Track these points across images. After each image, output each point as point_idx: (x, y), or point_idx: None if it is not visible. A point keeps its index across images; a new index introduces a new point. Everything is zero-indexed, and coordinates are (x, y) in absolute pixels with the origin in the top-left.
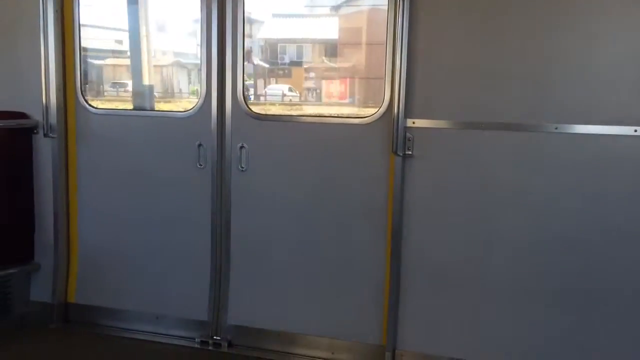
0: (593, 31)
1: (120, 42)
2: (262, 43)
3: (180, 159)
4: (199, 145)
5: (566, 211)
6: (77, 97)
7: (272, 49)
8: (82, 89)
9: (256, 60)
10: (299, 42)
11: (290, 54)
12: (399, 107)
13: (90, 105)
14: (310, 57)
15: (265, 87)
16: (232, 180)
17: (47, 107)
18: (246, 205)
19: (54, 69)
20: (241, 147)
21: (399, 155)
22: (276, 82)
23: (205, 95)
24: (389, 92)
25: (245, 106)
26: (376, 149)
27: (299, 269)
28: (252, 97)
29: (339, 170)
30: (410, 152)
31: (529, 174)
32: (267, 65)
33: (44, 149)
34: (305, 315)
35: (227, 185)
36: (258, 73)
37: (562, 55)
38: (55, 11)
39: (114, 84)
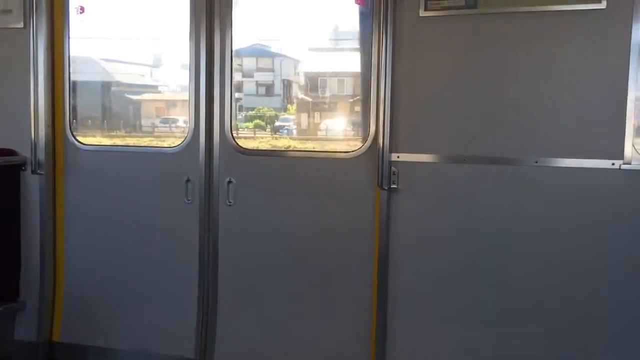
0: (571, 68)
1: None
2: (301, 77)
3: (168, 194)
4: (187, 180)
5: (549, 243)
6: (65, 134)
7: (312, 83)
8: (71, 125)
9: (299, 94)
10: (340, 76)
11: (331, 87)
12: (383, 141)
13: (78, 141)
14: (352, 90)
15: (309, 120)
16: (219, 215)
17: (35, 144)
18: (234, 240)
19: (43, 106)
20: (229, 182)
21: (384, 189)
22: (320, 117)
23: (194, 130)
24: (374, 125)
25: (233, 141)
26: (362, 182)
27: (288, 305)
28: (294, 132)
29: (326, 204)
30: (395, 186)
31: (512, 206)
32: (309, 99)
33: (32, 186)
34: (294, 352)
35: (215, 221)
36: (301, 107)
37: (541, 91)
38: (46, 49)
39: (165, 120)
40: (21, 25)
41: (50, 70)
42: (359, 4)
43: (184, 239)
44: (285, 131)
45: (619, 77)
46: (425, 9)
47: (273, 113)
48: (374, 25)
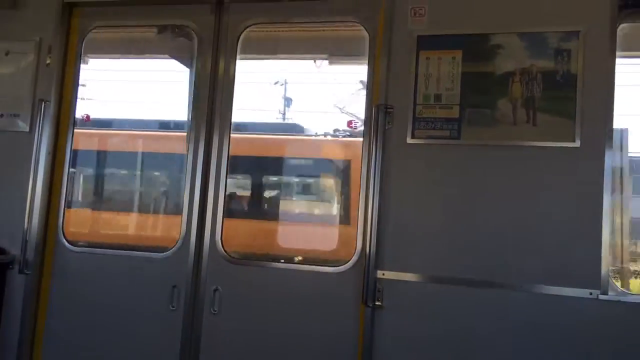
0: (548, 198)
1: None
2: None
3: (153, 300)
4: (174, 286)
5: None
6: (57, 235)
7: None
8: (64, 227)
9: None
10: None
11: None
12: (369, 258)
13: (69, 242)
14: None
15: None
16: (203, 324)
17: (26, 245)
18: (216, 349)
19: (38, 206)
20: (215, 290)
21: (368, 306)
22: None
23: (184, 237)
24: (361, 243)
25: (222, 249)
26: (347, 298)
27: None
28: None
29: (311, 317)
30: (380, 303)
31: (495, 329)
32: None
33: (17, 284)
34: None
35: (198, 329)
36: None
37: (521, 218)
38: (48, 153)
39: None
40: (27, 129)
41: (49, 173)
42: (350, 127)
43: (165, 346)
44: None
45: (593, 208)
46: (412, 137)
47: None
48: (364, 147)
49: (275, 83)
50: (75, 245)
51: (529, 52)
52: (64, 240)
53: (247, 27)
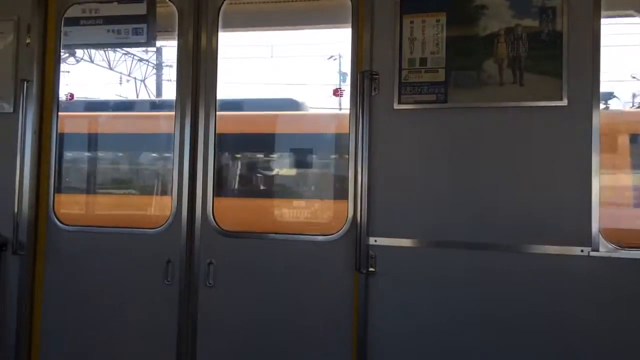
0: (537, 158)
1: None
2: None
3: (148, 275)
4: (168, 261)
5: (525, 326)
6: (48, 214)
7: None
8: (54, 205)
9: None
10: None
11: None
12: (361, 225)
13: (61, 221)
14: None
15: None
16: (199, 297)
17: (17, 225)
18: (212, 322)
19: (27, 187)
20: (209, 263)
21: (362, 272)
22: None
23: (176, 212)
24: (352, 210)
25: (214, 222)
26: (341, 265)
27: None
28: None
29: (305, 286)
30: (373, 270)
31: (487, 290)
32: None
33: (12, 266)
34: None
35: (194, 302)
36: None
37: (510, 179)
38: (34, 132)
39: None
40: (11, 110)
41: (37, 153)
42: (337, 95)
43: (163, 321)
44: None
45: (582, 166)
46: (399, 102)
47: None
48: (350, 115)
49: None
50: (67, 225)
51: (513, 11)
52: (56, 219)
53: None
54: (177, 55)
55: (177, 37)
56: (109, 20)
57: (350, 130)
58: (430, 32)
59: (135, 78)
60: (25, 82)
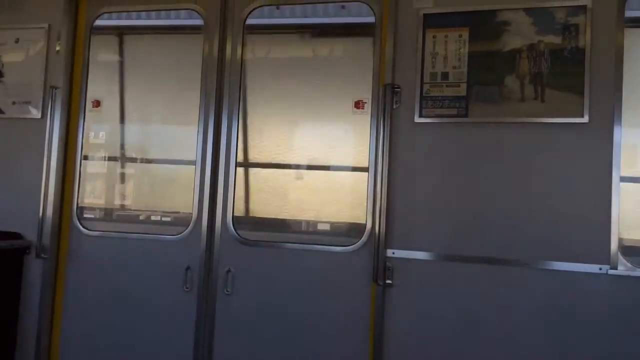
0: (557, 175)
1: None
2: None
3: (167, 281)
4: (187, 268)
5: (541, 344)
6: (72, 219)
7: None
8: (78, 212)
9: None
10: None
11: None
12: (379, 237)
13: (84, 227)
14: None
15: None
16: (217, 304)
17: (42, 229)
18: (230, 330)
19: (53, 192)
20: (228, 271)
21: (379, 284)
22: None
23: (197, 219)
24: (371, 222)
25: (234, 231)
26: (358, 276)
27: None
28: None
29: (322, 297)
30: (390, 282)
31: (505, 306)
32: None
33: (35, 269)
34: None
35: (212, 309)
36: None
37: (529, 195)
38: (60, 138)
39: None
40: (39, 116)
41: (62, 158)
42: (358, 109)
43: (180, 327)
44: None
45: (602, 184)
46: (420, 116)
47: None
48: (371, 127)
49: None
50: (90, 230)
51: (536, 27)
52: (79, 224)
53: (253, 9)
54: (202, 66)
55: (202, 48)
56: None
57: (370, 142)
58: (452, 47)
59: None
60: (54, 89)
